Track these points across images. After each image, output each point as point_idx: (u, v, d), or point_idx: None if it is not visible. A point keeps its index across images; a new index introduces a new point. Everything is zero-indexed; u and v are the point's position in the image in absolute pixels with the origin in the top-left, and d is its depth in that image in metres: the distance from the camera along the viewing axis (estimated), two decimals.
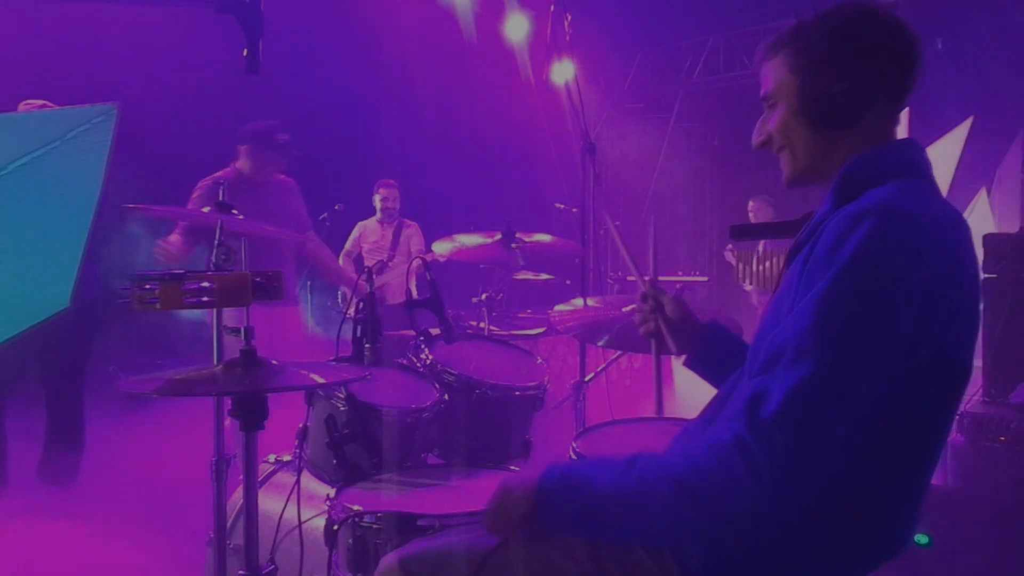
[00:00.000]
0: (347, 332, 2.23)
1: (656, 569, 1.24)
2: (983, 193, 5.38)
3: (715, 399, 1.37)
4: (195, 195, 3.52)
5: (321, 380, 1.61)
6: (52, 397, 3.58)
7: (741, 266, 5.55)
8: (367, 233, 5.59)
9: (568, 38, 3.22)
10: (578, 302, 2.83)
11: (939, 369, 1.08)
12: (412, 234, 5.54)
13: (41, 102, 3.23)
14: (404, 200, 5.55)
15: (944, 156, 4.79)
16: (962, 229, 1.12)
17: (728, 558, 1.17)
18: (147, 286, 1.42)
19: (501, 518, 1.24)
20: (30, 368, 3.50)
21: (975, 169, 5.16)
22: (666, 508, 1.08)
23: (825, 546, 1.12)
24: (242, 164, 3.67)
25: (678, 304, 1.67)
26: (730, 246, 6.15)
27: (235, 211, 2.13)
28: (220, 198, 2.14)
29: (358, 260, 5.59)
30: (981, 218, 5.29)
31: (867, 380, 1.01)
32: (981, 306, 1.17)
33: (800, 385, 1.00)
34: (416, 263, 2.47)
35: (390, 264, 5.42)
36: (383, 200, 5.50)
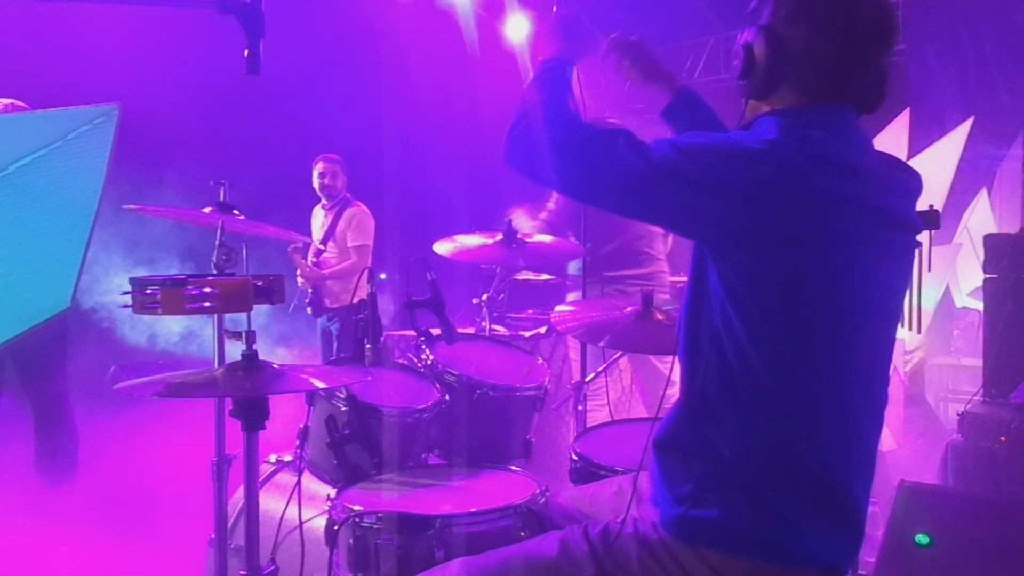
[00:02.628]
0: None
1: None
2: (983, 193, 5.38)
3: None
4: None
5: (322, 384, 1.61)
6: (34, 398, 3.53)
7: None
8: (315, 218, 4.95)
9: None
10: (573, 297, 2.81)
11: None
12: (350, 218, 4.77)
13: (8, 100, 3.14)
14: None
15: (944, 157, 4.79)
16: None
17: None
18: (148, 290, 1.42)
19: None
20: (7, 371, 3.45)
21: (975, 170, 5.15)
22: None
23: None
24: None
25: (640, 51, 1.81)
26: None
27: (236, 211, 2.13)
28: (221, 198, 2.14)
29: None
30: (982, 219, 5.28)
31: None
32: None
33: None
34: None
35: (324, 252, 4.79)
36: (319, 176, 4.79)
